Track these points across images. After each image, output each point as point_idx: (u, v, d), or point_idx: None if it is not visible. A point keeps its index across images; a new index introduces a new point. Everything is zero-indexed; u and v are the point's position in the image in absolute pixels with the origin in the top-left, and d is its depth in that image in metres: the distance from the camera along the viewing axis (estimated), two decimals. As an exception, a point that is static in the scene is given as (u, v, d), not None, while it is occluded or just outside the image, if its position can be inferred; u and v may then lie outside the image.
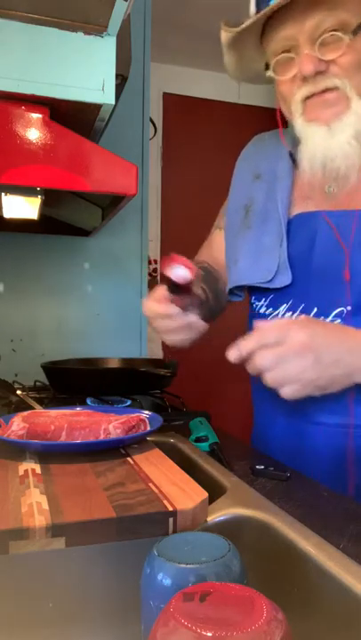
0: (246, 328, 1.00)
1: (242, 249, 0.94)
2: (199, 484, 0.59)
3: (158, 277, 3.11)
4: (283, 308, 0.89)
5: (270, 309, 0.91)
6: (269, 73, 0.83)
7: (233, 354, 0.71)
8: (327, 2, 0.75)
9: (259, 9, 0.80)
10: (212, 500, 0.58)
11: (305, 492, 0.68)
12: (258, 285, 0.90)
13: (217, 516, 0.57)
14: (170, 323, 0.82)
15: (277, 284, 0.87)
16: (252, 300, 0.97)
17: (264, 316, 0.93)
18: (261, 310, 0.93)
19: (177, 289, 0.79)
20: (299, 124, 0.82)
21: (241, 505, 0.59)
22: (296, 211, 0.90)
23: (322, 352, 0.70)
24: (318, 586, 0.48)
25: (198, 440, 0.88)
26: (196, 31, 2.74)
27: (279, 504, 0.60)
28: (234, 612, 0.32)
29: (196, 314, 0.84)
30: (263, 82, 0.92)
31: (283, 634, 0.31)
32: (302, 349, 0.69)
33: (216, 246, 1.06)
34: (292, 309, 0.87)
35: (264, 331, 0.71)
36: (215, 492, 0.62)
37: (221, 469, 0.72)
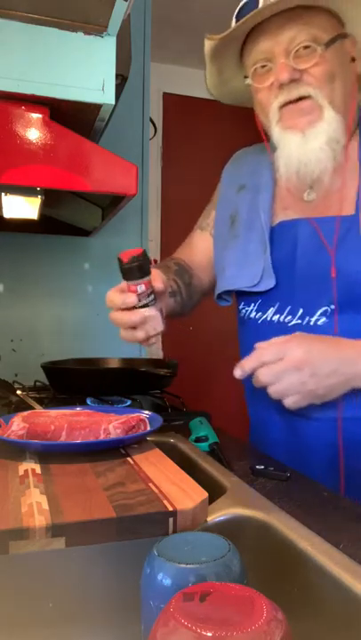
0: (238, 333, 1.07)
1: (229, 257, 0.99)
2: (199, 483, 0.59)
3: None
4: (270, 311, 0.94)
5: (259, 313, 0.96)
6: (248, 81, 0.90)
7: (237, 372, 0.79)
8: (300, 19, 0.82)
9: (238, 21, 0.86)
10: (212, 500, 0.58)
11: (305, 492, 0.68)
12: (244, 290, 0.95)
13: (217, 516, 0.57)
14: (124, 315, 0.84)
15: (262, 287, 0.93)
16: (241, 306, 1.01)
17: (254, 320, 0.97)
18: (251, 315, 0.98)
19: (130, 273, 0.80)
20: (276, 131, 0.88)
21: (241, 505, 0.59)
22: (278, 219, 0.95)
23: (318, 365, 0.76)
24: (318, 586, 0.48)
25: (198, 440, 0.88)
26: (196, 31, 2.74)
27: (279, 504, 0.60)
28: (234, 612, 0.32)
29: (156, 308, 0.84)
30: (241, 101, 1.03)
31: (283, 634, 0.31)
32: (300, 364, 0.75)
33: (196, 247, 1.11)
34: (280, 312, 0.92)
35: (264, 349, 0.78)
36: (215, 492, 0.62)
37: (221, 469, 0.72)
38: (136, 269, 0.80)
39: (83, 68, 0.89)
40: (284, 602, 0.37)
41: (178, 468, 0.65)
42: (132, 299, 0.82)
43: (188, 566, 0.40)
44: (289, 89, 0.83)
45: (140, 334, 0.84)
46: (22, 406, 1.07)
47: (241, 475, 0.71)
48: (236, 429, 1.01)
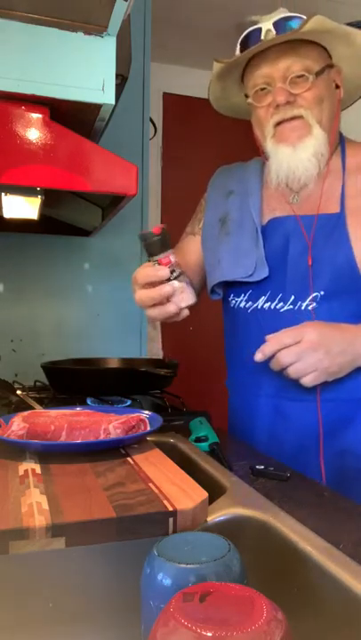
0: (227, 324, 1.15)
1: (223, 251, 1.08)
2: (199, 483, 0.59)
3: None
4: (262, 299, 1.03)
5: (250, 303, 1.05)
6: (250, 100, 1.03)
7: (258, 356, 0.90)
8: (295, 51, 0.96)
9: (243, 50, 1.01)
10: (212, 500, 0.58)
11: (305, 492, 0.68)
12: (239, 280, 1.04)
13: (217, 516, 0.57)
14: (153, 291, 0.89)
15: (256, 277, 1.02)
16: (231, 297, 1.09)
17: (245, 310, 1.06)
18: (241, 305, 1.07)
19: (162, 245, 0.86)
20: (270, 144, 1.01)
21: (241, 505, 0.59)
22: (267, 218, 1.06)
23: (331, 345, 0.89)
24: (318, 586, 0.48)
25: (198, 440, 0.88)
26: (196, 31, 2.74)
27: (279, 504, 0.60)
28: (234, 612, 0.32)
29: (184, 280, 0.90)
30: (239, 114, 1.16)
31: (283, 634, 0.31)
32: (316, 345, 0.88)
33: (188, 250, 1.17)
34: (270, 300, 1.02)
35: (281, 335, 0.89)
36: (215, 492, 0.62)
37: (221, 469, 0.72)
38: (167, 240, 0.86)
39: (83, 68, 0.89)
40: (284, 602, 0.37)
41: (178, 467, 0.65)
42: (164, 271, 0.88)
43: (188, 566, 0.40)
44: (285, 109, 0.97)
45: (171, 307, 0.90)
46: (22, 406, 1.07)
47: (241, 475, 0.71)
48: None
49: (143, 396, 1.25)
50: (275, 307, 1.01)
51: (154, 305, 0.90)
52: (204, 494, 0.56)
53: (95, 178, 0.92)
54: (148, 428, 0.75)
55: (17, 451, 0.70)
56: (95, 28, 0.88)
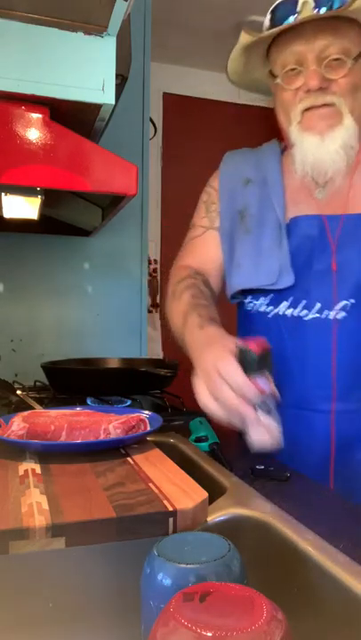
0: (243, 328, 1.06)
1: (243, 253, 0.99)
2: (199, 483, 0.59)
3: (158, 277, 3.11)
4: (283, 305, 0.95)
5: (271, 307, 0.97)
6: (278, 81, 0.93)
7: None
8: (334, 29, 0.87)
9: (275, 24, 0.91)
10: (212, 499, 0.58)
11: (305, 492, 0.68)
12: (262, 288, 0.96)
13: (217, 515, 0.57)
14: (232, 400, 0.72)
15: (281, 285, 0.94)
16: (248, 300, 1.01)
17: (264, 315, 0.98)
18: (261, 309, 0.99)
19: (249, 365, 0.70)
20: (295, 130, 0.93)
21: (241, 505, 0.59)
22: (290, 215, 0.97)
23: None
24: (318, 586, 0.48)
25: (198, 440, 0.88)
26: (196, 31, 2.74)
27: (279, 504, 0.60)
28: (234, 612, 0.32)
29: (274, 418, 0.73)
30: (258, 91, 1.06)
31: (283, 634, 0.31)
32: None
33: (210, 249, 1.06)
34: (293, 306, 0.94)
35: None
36: (215, 491, 0.62)
37: (221, 469, 0.72)
38: (266, 363, 0.71)
39: (83, 68, 0.89)
40: (284, 602, 0.37)
41: (178, 467, 0.65)
42: (253, 393, 0.71)
43: (188, 566, 0.40)
44: (316, 95, 0.89)
45: (237, 421, 0.73)
46: (22, 406, 1.07)
47: (241, 475, 0.71)
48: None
49: (143, 396, 1.25)
50: (298, 314, 0.94)
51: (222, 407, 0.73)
52: (204, 494, 0.56)
53: (95, 178, 0.91)
54: (148, 428, 0.75)
55: (17, 451, 0.70)
56: (95, 27, 0.88)
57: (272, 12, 0.92)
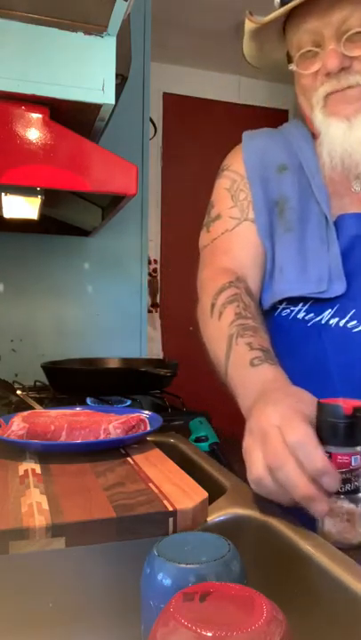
0: (273, 339, 0.81)
1: (285, 255, 0.85)
2: (199, 483, 0.59)
3: (158, 277, 3.11)
4: (327, 313, 0.82)
5: (311, 314, 0.83)
6: (292, 67, 0.83)
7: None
8: None
9: (284, 1, 0.80)
10: (212, 499, 0.58)
11: (305, 492, 0.68)
12: (310, 296, 0.82)
13: (217, 515, 0.57)
14: (305, 488, 0.51)
15: (332, 293, 0.80)
16: (284, 305, 0.86)
17: (302, 322, 0.84)
18: (299, 316, 0.84)
19: (334, 432, 0.52)
20: (319, 116, 0.82)
21: (241, 505, 0.59)
22: (336, 212, 0.85)
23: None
24: (318, 586, 0.48)
25: (198, 440, 0.88)
26: (196, 31, 2.74)
27: (279, 504, 0.60)
28: (234, 612, 0.32)
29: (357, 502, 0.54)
30: (280, 70, 0.91)
31: (283, 634, 0.31)
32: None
33: (252, 242, 0.89)
34: (340, 315, 0.81)
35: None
36: (215, 491, 0.62)
37: (221, 469, 0.72)
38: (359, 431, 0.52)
39: (83, 68, 0.89)
40: (284, 602, 0.37)
41: (178, 467, 0.65)
42: (333, 479, 0.51)
43: (188, 566, 0.40)
44: (338, 78, 0.78)
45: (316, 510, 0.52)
46: (22, 406, 1.07)
47: (241, 475, 0.71)
48: (236, 429, 1.01)
49: (143, 396, 1.25)
50: (345, 324, 0.80)
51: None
52: (204, 494, 0.56)
53: (95, 178, 0.92)
54: (148, 428, 0.75)
55: (17, 451, 0.70)
56: (95, 27, 0.88)
57: None
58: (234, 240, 0.90)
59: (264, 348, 0.72)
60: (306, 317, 0.83)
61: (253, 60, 0.93)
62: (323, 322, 0.81)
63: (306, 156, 0.89)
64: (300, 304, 0.84)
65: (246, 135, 0.96)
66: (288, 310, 0.85)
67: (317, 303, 0.82)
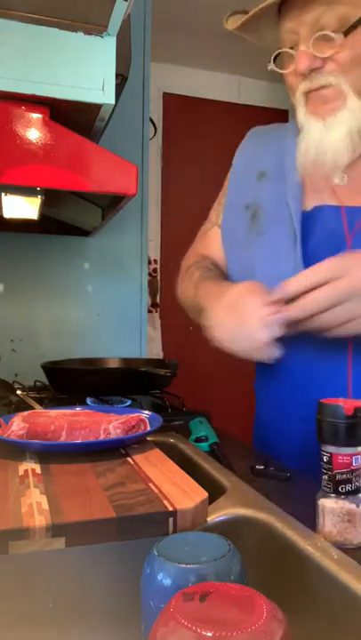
0: None
1: (257, 257, 0.89)
2: (199, 483, 0.59)
3: (158, 277, 3.11)
4: None
5: None
6: (270, 66, 0.84)
7: (293, 286, 0.70)
8: None
9: None
10: (212, 499, 0.58)
11: (305, 492, 0.68)
12: None
13: (217, 515, 0.57)
14: None
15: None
16: None
17: None
18: None
19: (335, 432, 0.53)
20: (301, 115, 0.83)
21: (241, 505, 0.59)
22: (312, 204, 0.87)
23: None
24: (318, 585, 0.48)
25: (198, 440, 0.88)
26: (196, 31, 2.74)
27: (279, 504, 0.60)
28: (234, 612, 0.32)
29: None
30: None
31: (283, 634, 0.31)
32: None
33: (216, 245, 1.00)
34: None
35: (318, 269, 0.69)
36: (215, 491, 0.62)
37: (221, 469, 0.72)
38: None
39: (83, 68, 0.89)
40: (284, 602, 0.37)
41: (178, 467, 0.65)
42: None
43: (188, 566, 0.40)
44: (310, 78, 0.79)
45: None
46: (22, 406, 1.07)
47: (241, 475, 0.71)
48: (236, 429, 1.01)
49: (143, 396, 1.25)
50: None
51: None
52: (204, 494, 0.56)
53: (95, 178, 0.92)
54: (148, 428, 0.75)
55: (17, 451, 0.70)
56: (95, 27, 0.88)
57: None
58: (204, 241, 1.04)
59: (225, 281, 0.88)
60: None
61: (264, 46, 0.91)
62: None
63: (285, 159, 0.91)
64: None
65: (249, 133, 1.00)
66: None
67: None
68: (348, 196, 0.85)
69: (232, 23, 0.86)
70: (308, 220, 0.86)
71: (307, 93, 0.81)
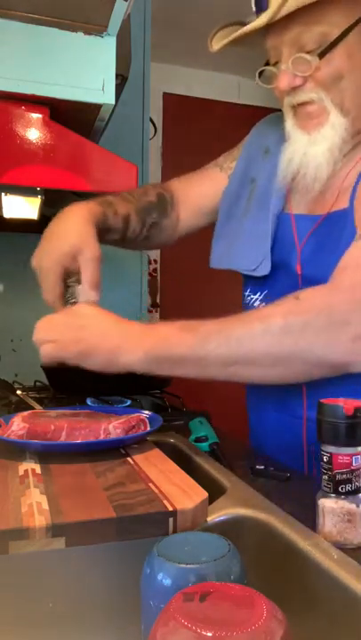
0: None
1: (239, 234, 0.93)
2: (199, 483, 0.59)
3: (158, 277, 3.11)
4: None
5: (263, 304, 0.91)
6: (257, 81, 0.86)
7: None
8: (307, 14, 0.75)
9: (260, 7, 0.80)
10: (212, 499, 0.58)
11: (305, 492, 0.68)
12: (243, 272, 0.92)
13: (217, 515, 0.57)
14: None
15: (260, 272, 0.88)
16: (247, 293, 0.96)
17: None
18: (255, 304, 0.93)
19: (335, 433, 0.54)
20: (289, 125, 0.85)
21: (241, 505, 0.59)
22: (287, 210, 0.90)
23: (92, 320, 0.76)
24: (318, 585, 0.48)
25: (198, 440, 0.88)
26: (196, 31, 2.73)
27: (279, 504, 0.60)
28: (234, 612, 0.32)
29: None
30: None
31: (283, 634, 0.31)
32: (70, 312, 0.78)
33: (207, 184, 1.02)
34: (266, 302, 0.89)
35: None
36: (215, 491, 0.62)
37: (221, 469, 0.72)
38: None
39: (83, 68, 0.89)
40: (284, 602, 0.37)
41: (178, 467, 0.65)
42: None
43: (188, 566, 0.40)
44: (293, 94, 0.81)
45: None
46: (22, 406, 1.07)
47: (241, 475, 0.71)
48: (236, 429, 1.01)
49: (143, 396, 1.25)
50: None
51: None
52: (204, 494, 0.56)
53: (95, 178, 0.92)
54: (148, 428, 0.75)
55: (17, 451, 0.70)
56: (95, 27, 0.88)
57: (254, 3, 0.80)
58: (203, 177, 1.03)
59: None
60: (260, 306, 0.91)
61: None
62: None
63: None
64: (258, 293, 0.92)
65: (264, 119, 1.02)
66: (249, 298, 0.95)
67: (270, 294, 0.89)
68: (317, 204, 0.87)
69: (217, 41, 0.87)
70: (279, 221, 0.89)
71: (293, 107, 0.83)
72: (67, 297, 0.81)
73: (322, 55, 0.77)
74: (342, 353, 0.69)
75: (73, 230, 0.87)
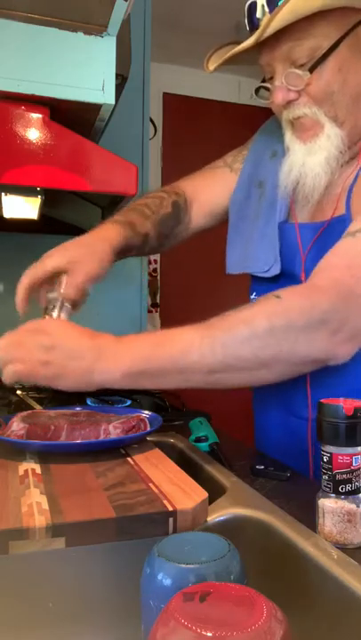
0: None
1: (249, 238, 0.95)
2: (199, 483, 0.59)
3: (158, 277, 3.11)
4: None
5: None
6: (254, 98, 0.88)
7: None
8: (297, 30, 0.76)
9: (252, 26, 0.82)
10: (212, 500, 0.58)
11: (305, 492, 0.68)
12: (256, 275, 0.93)
13: (217, 516, 0.57)
14: None
15: (273, 272, 0.89)
16: (253, 297, 0.97)
17: None
18: None
19: (336, 433, 0.54)
20: (287, 137, 0.87)
21: (241, 505, 0.59)
22: (292, 219, 0.92)
23: (61, 339, 0.69)
24: (318, 585, 0.48)
25: (198, 440, 0.88)
26: (196, 31, 2.73)
27: (279, 504, 0.60)
28: (234, 612, 0.32)
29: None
30: None
31: (283, 634, 0.31)
32: (37, 330, 0.73)
33: (217, 185, 1.03)
34: None
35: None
36: (215, 491, 0.62)
37: (221, 469, 0.72)
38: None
39: (83, 68, 0.89)
40: (284, 602, 0.37)
41: (178, 467, 0.65)
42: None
43: (188, 566, 0.40)
44: (288, 108, 0.82)
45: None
46: (22, 406, 1.07)
47: (241, 475, 0.71)
48: (236, 430, 1.01)
49: (143, 396, 1.25)
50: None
51: None
52: (204, 494, 0.56)
53: (95, 178, 0.92)
54: (148, 428, 0.75)
55: (17, 451, 0.70)
56: (95, 27, 0.88)
57: (247, 20, 0.82)
58: (213, 177, 1.05)
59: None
60: None
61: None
62: None
63: None
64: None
65: (271, 119, 1.01)
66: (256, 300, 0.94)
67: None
68: (319, 211, 0.89)
69: (212, 63, 0.88)
70: (280, 229, 0.91)
71: (290, 121, 0.84)
72: (47, 306, 0.82)
73: (312, 69, 0.78)
74: (323, 349, 0.70)
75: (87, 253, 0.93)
